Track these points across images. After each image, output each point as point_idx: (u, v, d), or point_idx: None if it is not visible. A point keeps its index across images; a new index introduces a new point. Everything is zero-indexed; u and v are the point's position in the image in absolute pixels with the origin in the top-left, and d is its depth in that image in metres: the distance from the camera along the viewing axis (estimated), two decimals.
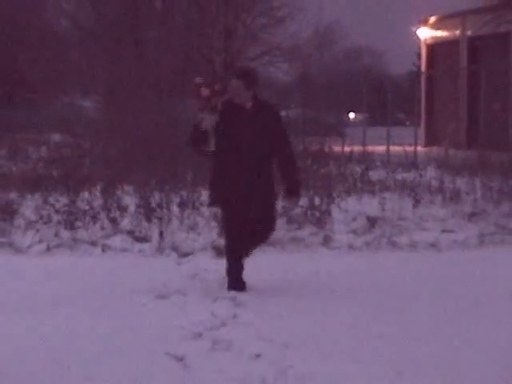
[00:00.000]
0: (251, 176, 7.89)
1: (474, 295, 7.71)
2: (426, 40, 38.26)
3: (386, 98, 33.41)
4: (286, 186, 8.19)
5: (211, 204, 8.72)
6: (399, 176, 16.95)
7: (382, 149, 24.81)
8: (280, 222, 11.24)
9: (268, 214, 8.14)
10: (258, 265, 8.44)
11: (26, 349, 5.87)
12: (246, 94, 8.06)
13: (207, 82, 8.49)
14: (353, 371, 5.31)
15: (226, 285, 7.87)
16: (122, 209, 11.37)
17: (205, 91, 7.99)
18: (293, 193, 8.19)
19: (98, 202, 11.60)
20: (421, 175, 16.48)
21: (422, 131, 35.86)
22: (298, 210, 11.72)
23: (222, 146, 7.93)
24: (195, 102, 8.36)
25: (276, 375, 5.20)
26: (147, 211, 11.13)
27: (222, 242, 9.97)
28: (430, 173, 18.01)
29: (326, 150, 19.86)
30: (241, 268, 7.98)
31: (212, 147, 7.91)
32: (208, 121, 7.80)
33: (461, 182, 15.25)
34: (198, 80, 8.38)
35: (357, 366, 5.42)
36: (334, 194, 12.82)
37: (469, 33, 33.56)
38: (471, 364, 5.52)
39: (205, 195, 12.00)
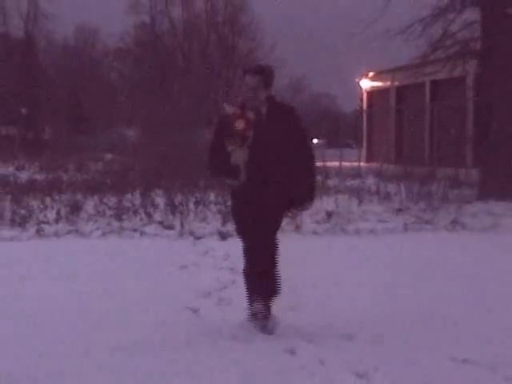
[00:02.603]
0: (271, 192, 4.92)
1: (399, 263, 7.77)
2: (366, 88, 38.37)
3: (339, 128, 33.55)
4: (301, 190, 5.09)
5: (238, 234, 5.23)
6: (348, 183, 17.00)
7: (336, 164, 24.84)
8: None
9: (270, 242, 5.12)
10: None
11: (92, 301, 5.88)
12: (262, 95, 4.90)
13: (239, 109, 4.93)
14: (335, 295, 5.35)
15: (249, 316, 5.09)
16: (155, 206, 11.38)
17: (240, 123, 4.80)
18: (307, 198, 5.15)
19: (137, 201, 11.64)
20: (363, 182, 16.53)
21: (363, 151, 35.85)
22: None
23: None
24: (227, 136, 4.90)
25: None
26: (172, 207, 11.13)
27: (226, 228, 10.05)
28: (370, 180, 18.03)
29: None
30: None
31: (242, 180, 4.91)
32: (239, 154, 4.83)
33: (391, 187, 15.24)
34: (229, 109, 4.93)
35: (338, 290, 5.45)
36: None
37: (396, 83, 33.61)
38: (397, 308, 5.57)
39: (212, 196, 12.15)
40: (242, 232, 5.09)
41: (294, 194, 5.04)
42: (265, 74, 4.90)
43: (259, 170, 4.88)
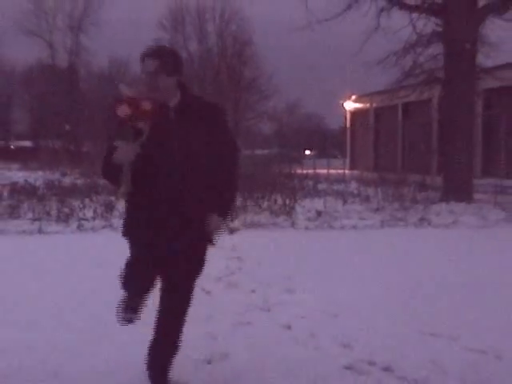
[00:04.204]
0: (176, 218, 3.01)
1: (377, 253, 7.75)
2: (349, 109, 38.42)
3: (326, 142, 33.55)
4: (217, 204, 3.14)
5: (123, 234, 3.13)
6: (335, 187, 17.01)
7: (324, 171, 24.82)
8: (265, 214, 11.28)
9: (189, 276, 3.35)
10: (251, 238, 8.45)
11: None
12: (168, 84, 3.03)
13: (133, 95, 2.96)
14: (324, 280, 5.34)
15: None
16: None
17: (124, 109, 2.90)
18: (221, 215, 3.18)
19: None
20: (347, 186, 16.54)
21: (347, 161, 35.94)
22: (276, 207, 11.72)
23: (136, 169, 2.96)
24: (116, 127, 3.02)
25: (263, 302, 5.20)
26: None
27: (233, 224, 10.03)
28: (352, 185, 18.08)
29: (292, 172, 19.89)
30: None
31: (126, 189, 2.95)
32: (125, 152, 2.91)
33: (370, 190, 15.27)
34: (125, 91, 2.97)
35: (326, 276, 5.45)
36: (297, 197, 12.83)
37: (374, 105, 33.67)
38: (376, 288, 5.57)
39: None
40: (127, 280, 3.10)
41: (209, 222, 3.13)
42: (167, 58, 3.02)
43: (164, 187, 2.96)
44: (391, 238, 9.45)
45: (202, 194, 3.06)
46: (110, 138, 3.06)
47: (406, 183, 15.80)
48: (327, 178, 20.84)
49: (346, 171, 26.99)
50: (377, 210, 12.38)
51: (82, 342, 4.11)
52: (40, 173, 22.20)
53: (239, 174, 3.25)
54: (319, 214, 11.37)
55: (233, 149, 3.19)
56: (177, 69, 3.09)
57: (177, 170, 2.98)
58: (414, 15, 15.85)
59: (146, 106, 2.91)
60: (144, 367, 3.28)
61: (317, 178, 19.38)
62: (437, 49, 15.95)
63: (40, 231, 9.48)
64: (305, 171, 21.76)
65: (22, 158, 33.80)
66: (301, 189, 15.38)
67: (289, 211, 11.44)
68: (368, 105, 34.82)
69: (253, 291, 5.62)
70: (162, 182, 2.98)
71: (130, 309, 3.10)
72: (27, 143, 53.25)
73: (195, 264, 3.28)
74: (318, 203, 12.89)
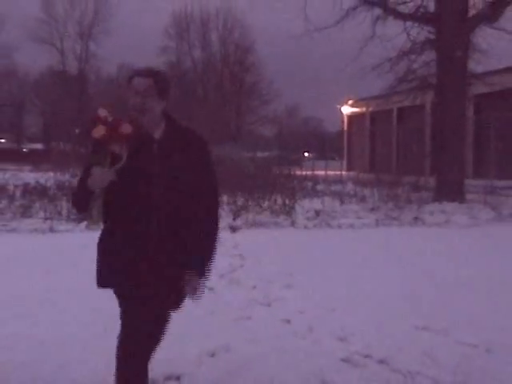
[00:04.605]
0: (157, 254, 2.48)
1: (372, 250, 7.75)
2: (346, 113, 38.46)
3: (325, 144, 33.56)
4: (193, 261, 2.56)
5: (99, 284, 2.61)
6: (332, 187, 17.00)
7: (322, 173, 24.80)
8: (266, 213, 11.28)
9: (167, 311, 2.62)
10: (253, 237, 8.45)
11: None
12: (156, 108, 2.53)
13: (112, 115, 2.48)
14: (322, 275, 5.34)
15: None
16: None
17: (100, 130, 2.41)
18: (198, 271, 2.58)
19: None
20: (344, 187, 16.52)
21: (344, 163, 35.92)
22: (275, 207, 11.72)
23: (113, 199, 2.49)
24: (92, 151, 2.51)
25: (264, 298, 5.20)
26: None
27: (236, 223, 10.03)
28: (349, 186, 18.05)
29: (292, 173, 19.89)
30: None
31: (96, 221, 2.51)
32: (99, 177, 2.42)
33: (366, 191, 15.26)
34: (101, 112, 2.46)
35: (324, 271, 5.44)
36: (297, 198, 12.83)
37: (370, 109, 33.66)
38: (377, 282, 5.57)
39: (225, 198, 12.10)
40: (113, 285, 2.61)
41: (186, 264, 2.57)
42: (159, 78, 2.56)
43: (138, 222, 2.48)
44: (386, 236, 9.44)
45: (181, 233, 2.54)
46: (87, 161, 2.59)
47: (400, 184, 15.80)
48: (325, 179, 20.84)
49: (344, 173, 26.96)
50: (372, 209, 12.37)
51: (91, 336, 4.10)
52: (51, 174, 22.19)
53: (218, 230, 2.72)
54: (318, 213, 11.37)
55: (214, 199, 2.66)
56: (167, 93, 2.60)
57: (154, 206, 2.47)
58: (408, 24, 15.95)
59: (126, 128, 2.45)
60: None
61: (315, 179, 19.37)
62: (430, 56, 16.02)
63: (51, 230, 9.48)
64: (304, 173, 21.76)
65: (34, 160, 33.80)
66: (300, 189, 15.39)
67: (288, 211, 11.44)
68: (364, 109, 34.82)
69: (254, 287, 5.62)
70: (136, 217, 2.48)
71: None
72: (39, 146, 53.33)
73: (176, 298, 2.62)
74: (316, 203, 12.89)
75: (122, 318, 2.59)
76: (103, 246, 2.62)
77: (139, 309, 2.50)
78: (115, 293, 2.60)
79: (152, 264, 2.49)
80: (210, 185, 2.64)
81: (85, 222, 9.97)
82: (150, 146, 2.52)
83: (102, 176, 2.43)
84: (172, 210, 2.50)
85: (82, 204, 2.57)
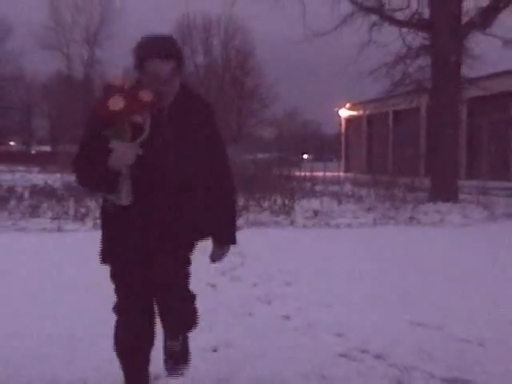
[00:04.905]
0: (169, 223, 2.36)
1: (369, 248, 7.73)
2: (344, 116, 38.46)
3: (323, 146, 33.54)
4: (219, 229, 2.76)
5: (102, 261, 2.66)
6: (330, 188, 16.98)
7: (321, 174, 24.78)
8: (266, 213, 11.28)
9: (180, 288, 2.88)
10: (253, 236, 8.43)
11: None
12: (177, 83, 2.26)
13: (127, 84, 2.16)
14: (321, 273, 5.33)
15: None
16: None
17: (119, 101, 2.06)
18: (227, 240, 2.93)
19: None
20: (342, 188, 16.52)
21: (342, 164, 35.98)
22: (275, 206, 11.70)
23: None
24: (107, 124, 2.10)
25: (264, 295, 5.19)
26: None
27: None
28: (347, 186, 18.06)
29: (291, 174, 19.87)
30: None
31: (125, 201, 2.23)
32: (122, 154, 2.12)
33: (363, 191, 15.26)
34: (116, 81, 2.18)
35: (322, 270, 5.44)
36: (296, 198, 12.83)
37: (367, 112, 33.68)
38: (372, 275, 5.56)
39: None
40: (117, 278, 2.57)
41: (204, 230, 2.67)
42: (181, 55, 2.29)
43: (154, 189, 2.29)
44: (383, 235, 9.43)
45: (192, 201, 2.40)
46: (89, 133, 2.26)
47: (396, 185, 15.78)
48: (324, 180, 20.83)
49: (341, 174, 27.00)
50: (369, 209, 12.37)
51: (99, 333, 4.10)
52: (58, 175, 22.15)
53: (234, 187, 2.62)
54: (316, 213, 11.36)
55: (225, 165, 2.53)
56: (183, 67, 2.31)
57: (171, 174, 2.29)
58: (404, 30, 16.03)
59: (146, 96, 2.16)
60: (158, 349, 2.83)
61: (314, 180, 19.35)
62: (425, 61, 16.06)
63: (59, 229, 9.48)
64: (303, 174, 21.73)
65: (42, 161, 33.80)
66: (299, 190, 15.37)
67: (288, 211, 11.43)
68: (361, 112, 34.85)
69: (255, 285, 5.61)
70: (148, 187, 2.28)
71: (178, 358, 2.62)
72: (47, 148, 53.38)
73: (181, 263, 2.66)
74: (315, 203, 12.88)
75: (118, 291, 2.56)
76: (112, 219, 2.43)
77: (146, 278, 2.41)
78: (119, 266, 2.47)
79: (164, 233, 2.34)
80: (220, 151, 2.47)
81: (91, 222, 9.97)
82: (160, 113, 2.27)
83: (125, 151, 2.14)
84: (183, 177, 2.31)
85: (106, 187, 2.24)
